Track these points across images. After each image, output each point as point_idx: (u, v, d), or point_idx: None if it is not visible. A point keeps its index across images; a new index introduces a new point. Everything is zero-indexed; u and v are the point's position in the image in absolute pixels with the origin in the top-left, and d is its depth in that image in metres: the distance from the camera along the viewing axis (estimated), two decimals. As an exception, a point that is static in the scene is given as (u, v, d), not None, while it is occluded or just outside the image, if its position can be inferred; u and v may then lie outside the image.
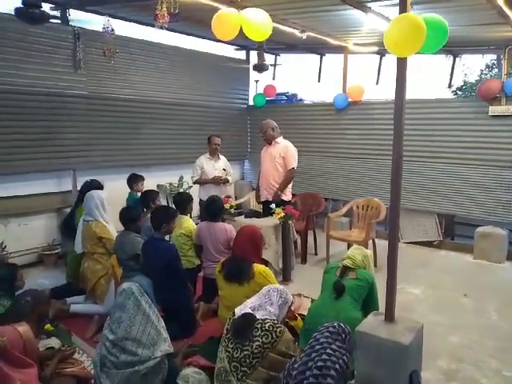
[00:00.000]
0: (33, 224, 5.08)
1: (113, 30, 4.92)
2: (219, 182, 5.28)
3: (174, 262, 3.43)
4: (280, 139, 5.08)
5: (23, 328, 2.31)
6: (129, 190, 4.84)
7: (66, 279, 4.22)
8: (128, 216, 3.67)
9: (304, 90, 8.40)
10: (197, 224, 4.17)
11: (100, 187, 4.30)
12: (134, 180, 4.85)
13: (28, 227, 5.04)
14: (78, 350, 3.13)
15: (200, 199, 5.25)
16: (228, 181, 5.41)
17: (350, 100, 6.45)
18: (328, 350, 1.94)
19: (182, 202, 4.25)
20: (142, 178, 4.89)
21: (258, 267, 3.13)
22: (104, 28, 4.92)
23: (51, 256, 5.08)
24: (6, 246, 4.61)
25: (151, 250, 3.40)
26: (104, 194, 3.96)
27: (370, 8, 4.44)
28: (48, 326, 3.00)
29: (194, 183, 5.43)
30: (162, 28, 3.26)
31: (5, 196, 4.79)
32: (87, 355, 3.09)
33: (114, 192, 4.69)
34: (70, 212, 4.49)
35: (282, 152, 4.98)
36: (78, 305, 3.72)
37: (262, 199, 5.13)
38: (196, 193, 5.32)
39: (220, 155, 5.44)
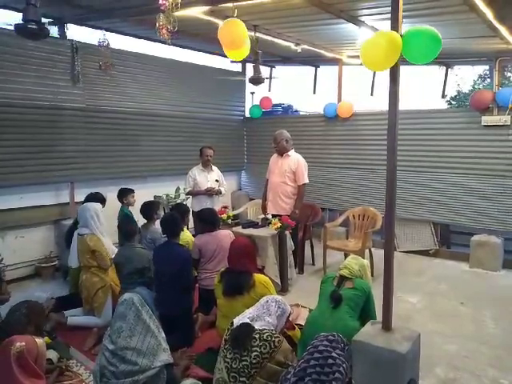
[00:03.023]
0: (30, 236, 5.08)
1: (108, 43, 4.98)
2: (212, 193, 5.29)
3: (188, 266, 3.56)
4: (292, 152, 5.03)
5: (40, 341, 2.43)
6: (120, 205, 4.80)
7: (70, 290, 4.21)
8: (129, 229, 3.71)
9: (300, 102, 8.50)
10: (193, 235, 4.17)
11: (102, 200, 4.32)
12: (123, 194, 4.76)
13: (25, 239, 5.04)
14: (76, 362, 3.13)
15: (192, 210, 5.26)
16: (221, 192, 5.41)
17: (339, 116, 6.56)
18: (329, 360, 1.91)
19: (180, 213, 4.27)
20: (131, 191, 4.82)
21: (259, 277, 3.15)
22: (99, 42, 4.98)
23: (48, 268, 5.06)
24: (2, 259, 4.60)
25: (167, 254, 3.50)
26: (99, 206, 3.97)
27: (363, 22, 4.54)
28: (46, 339, 3.00)
29: (187, 194, 5.44)
30: (169, 44, 3.31)
31: (2, 208, 4.80)
32: (85, 368, 3.08)
33: (112, 203, 4.72)
34: (72, 223, 4.48)
35: (293, 166, 4.93)
36: (75, 317, 3.71)
37: (270, 212, 5.07)
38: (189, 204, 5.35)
39: (213, 166, 5.45)
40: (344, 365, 1.94)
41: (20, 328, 2.50)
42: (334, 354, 1.94)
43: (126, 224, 3.76)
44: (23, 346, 2.25)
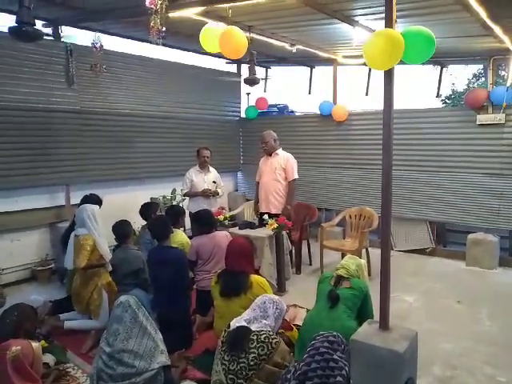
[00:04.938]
0: (25, 239, 5.05)
1: (101, 45, 4.95)
2: (208, 194, 5.29)
3: (184, 267, 3.53)
4: (280, 151, 5.14)
5: (36, 345, 2.41)
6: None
7: (67, 293, 4.17)
8: (124, 231, 3.70)
9: (295, 102, 8.52)
10: (189, 237, 4.15)
11: (99, 201, 4.30)
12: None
13: (21, 243, 5.00)
14: (73, 366, 3.11)
15: (189, 212, 5.26)
16: (218, 193, 5.40)
17: (335, 120, 6.56)
18: (331, 363, 1.87)
19: (174, 215, 4.24)
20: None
21: (256, 278, 3.15)
22: (92, 43, 4.96)
23: (44, 271, 5.03)
24: (-2, 263, 4.58)
25: (160, 258, 3.46)
26: (96, 208, 3.95)
27: (358, 22, 4.55)
28: (43, 343, 2.98)
29: (184, 196, 5.43)
30: (157, 44, 3.30)
31: (-3, 212, 4.77)
32: (82, 371, 3.06)
33: (108, 206, 4.70)
34: (69, 226, 4.45)
35: (283, 163, 5.04)
36: (73, 321, 3.68)
37: (262, 211, 5.13)
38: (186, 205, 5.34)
39: (210, 168, 5.44)
40: (346, 367, 1.90)
41: (10, 333, 2.48)
42: (335, 357, 1.89)
43: (120, 226, 3.75)
44: (19, 350, 2.24)
